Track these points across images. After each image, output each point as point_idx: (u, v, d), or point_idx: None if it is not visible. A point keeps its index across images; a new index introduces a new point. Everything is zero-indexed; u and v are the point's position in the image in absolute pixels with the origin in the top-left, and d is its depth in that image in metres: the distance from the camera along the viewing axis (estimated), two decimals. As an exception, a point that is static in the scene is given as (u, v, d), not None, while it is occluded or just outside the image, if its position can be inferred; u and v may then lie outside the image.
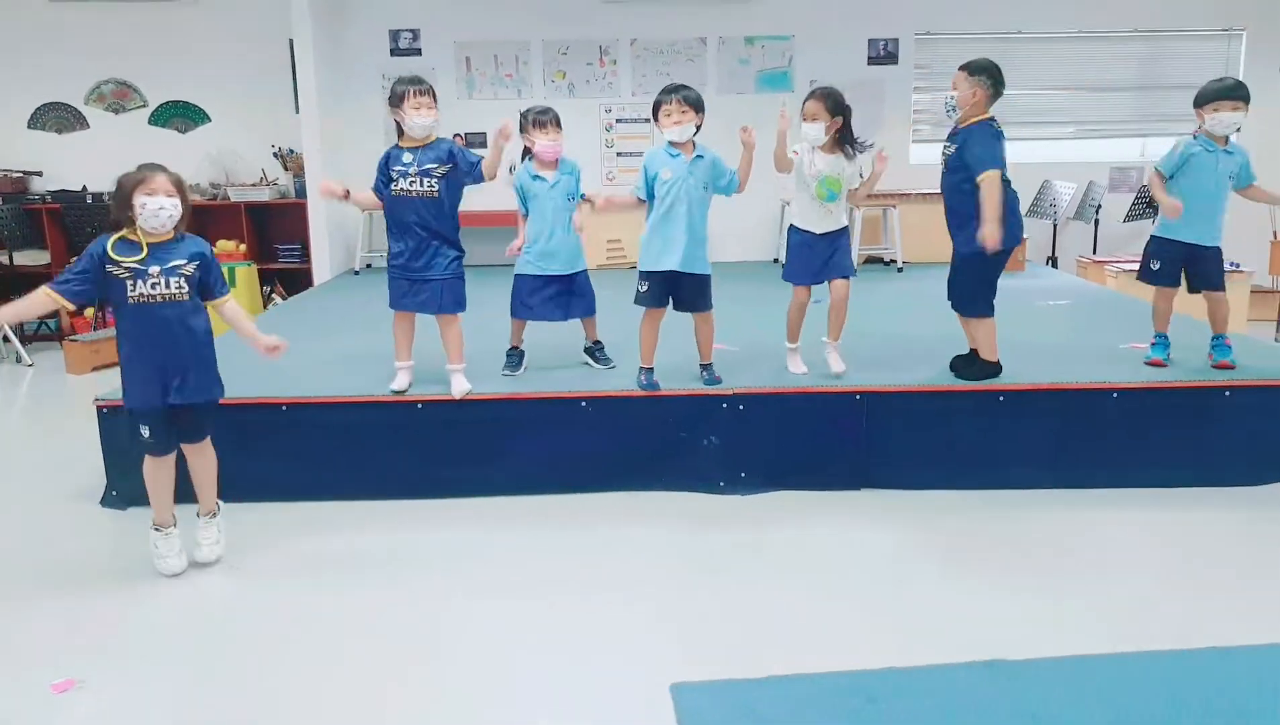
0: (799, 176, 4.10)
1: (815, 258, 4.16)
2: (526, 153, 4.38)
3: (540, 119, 4.27)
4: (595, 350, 4.52)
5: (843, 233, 4.18)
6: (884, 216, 7.91)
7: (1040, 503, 3.92)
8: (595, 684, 2.67)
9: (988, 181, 3.90)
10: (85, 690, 2.65)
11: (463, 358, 4.11)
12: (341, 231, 8.05)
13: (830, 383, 4.14)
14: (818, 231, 4.13)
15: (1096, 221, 8.10)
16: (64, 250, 7.79)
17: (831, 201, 4.08)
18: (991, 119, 4.06)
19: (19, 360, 6.86)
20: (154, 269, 3.13)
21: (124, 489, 3.95)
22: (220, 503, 3.50)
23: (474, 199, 4.25)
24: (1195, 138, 4.24)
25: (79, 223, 7.62)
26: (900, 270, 7.62)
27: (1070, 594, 3.16)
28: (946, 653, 2.77)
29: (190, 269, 3.20)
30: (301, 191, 7.84)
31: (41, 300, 3.12)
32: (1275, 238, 7.64)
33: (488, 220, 6.86)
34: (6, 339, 6.95)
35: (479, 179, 4.01)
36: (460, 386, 4.05)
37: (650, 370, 4.10)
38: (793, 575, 3.33)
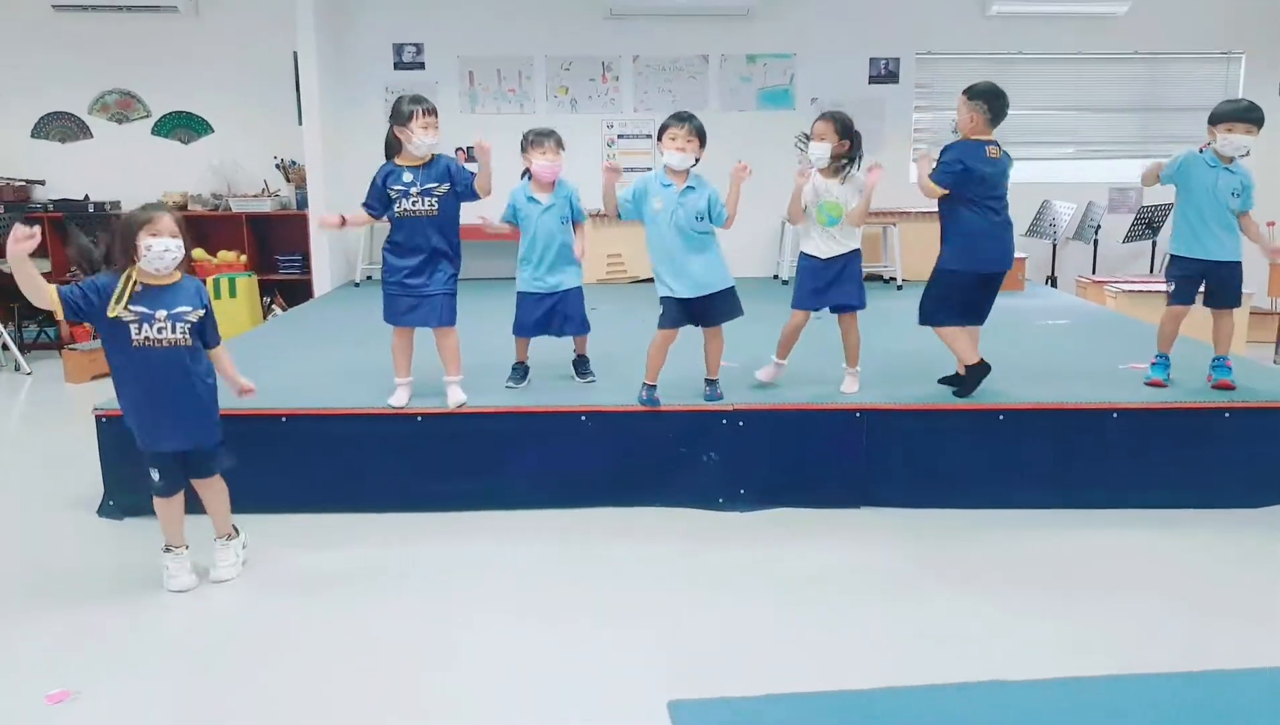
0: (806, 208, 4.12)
1: (816, 281, 4.16)
2: (526, 172, 4.38)
3: (539, 139, 4.26)
4: (580, 364, 4.51)
5: (850, 258, 4.15)
6: (884, 234, 7.93)
7: (1039, 523, 3.92)
8: (592, 700, 2.66)
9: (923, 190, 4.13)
10: (80, 701, 2.63)
11: (460, 369, 4.11)
12: (342, 243, 8.07)
13: (830, 400, 4.14)
14: (822, 257, 4.13)
15: (1096, 241, 8.13)
16: (65, 259, 7.78)
17: (833, 226, 4.08)
18: (983, 141, 4.10)
19: (18, 368, 6.86)
20: (160, 313, 3.12)
21: (121, 499, 3.95)
22: (236, 526, 3.49)
23: (472, 212, 4.24)
24: (1201, 151, 4.26)
25: (82, 230, 7.62)
26: (900, 288, 7.63)
27: (1070, 615, 3.15)
28: (945, 673, 2.76)
29: (195, 317, 3.19)
30: (303, 203, 7.85)
31: (48, 291, 3.04)
32: (1275, 260, 7.66)
33: (480, 234, 6.85)
34: (5, 347, 6.95)
35: (474, 197, 4.04)
36: (456, 397, 4.05)
37: (653, 387, 4.09)
38: (791, 592, 3.32)
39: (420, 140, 3.89)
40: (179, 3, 7.63)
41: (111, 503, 3.98)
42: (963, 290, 4.24)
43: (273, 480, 3.98)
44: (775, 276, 8.13)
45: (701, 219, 3.99)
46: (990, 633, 3.03)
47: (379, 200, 4.00)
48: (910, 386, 4.35)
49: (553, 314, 4.38)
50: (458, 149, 7.96)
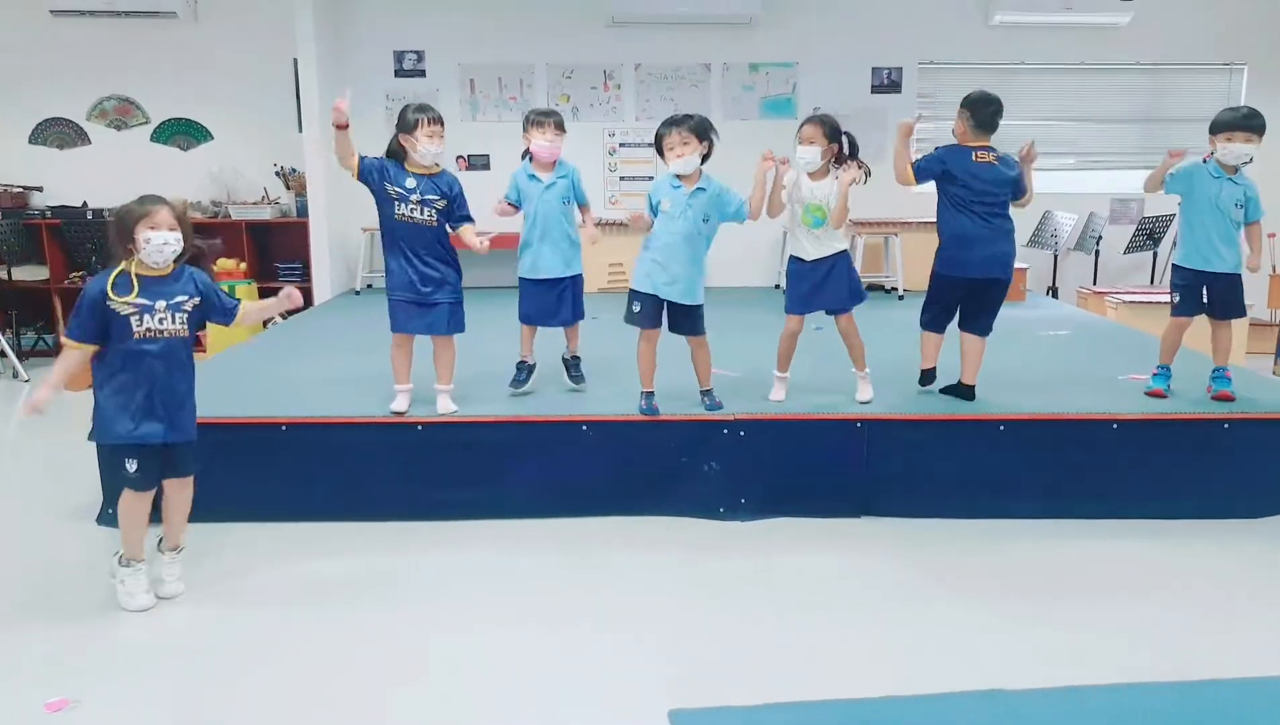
0: (790, 204, 4.11)
1: (805, 284, 4.15)
2: (527, 153, 4.36)
3: (540, 118, 4.26)
4: (571, 365, 4.49)
5: (837, 259, 4.13)
6: (885, 244, 7.93)
7: (1040, 533, 3.91)
8: (593, 710, 2.65)
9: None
10: (79, 709, 2.62)
11: (451, 379, 4.11)
12: (343, 251, 8.06)
13: (831, 410, 4.13)
14: (808, 258, 4.12)
15: (1097, 252, 8.13)
16: (63, 266, 7.79)
17: (817, 227, 4.07)
18: (971, 146, 4.19)
19: (15, 376, 6.85)
20: (160, 304, 3.11)
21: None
22: (183, 543, 3.42)
23: (476, 221, 4.23)
24: (1205, 162, 4.27)
25: (78, 239, 7.62)
26: (901, 297, 7.62)
27: (1070, 624, 3.15)
28: (945, 682, 2.75)
29: (191, 306, 3.19)
30: (303, 211, 7.84)
31: (76, 356, 3.11)
32: (1275, 271, 7.67)
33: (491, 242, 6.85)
34: (3, 354, 6.93)
35: (466, 221, 4.07)
36: (446, 406, 4.05)
37: (650, 394, 4.09)
38: (792, 602, 3.31)
39: (425, 149, 3.88)
40: (178, 9, 7.62)
41: (111, 511, 3.93)
42: (947, 294, 4.31)
43: (273, 489, 3.98)
44: (776, 286, 8.12)
45: (708, 221, 3.98)
46: (989, 642, 3.03)
47: (370, 176, 3.99)
48: (911, 397, 4.35)
49: (551, 302, 4.36)
50: (458, 157, 7.99)
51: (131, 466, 3.18)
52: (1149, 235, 7.87)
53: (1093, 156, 8.43)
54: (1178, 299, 4.38)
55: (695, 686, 2.75)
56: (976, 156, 4.17)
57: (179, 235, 3.11)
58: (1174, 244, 7.76)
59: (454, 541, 3.82)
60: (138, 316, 3.09)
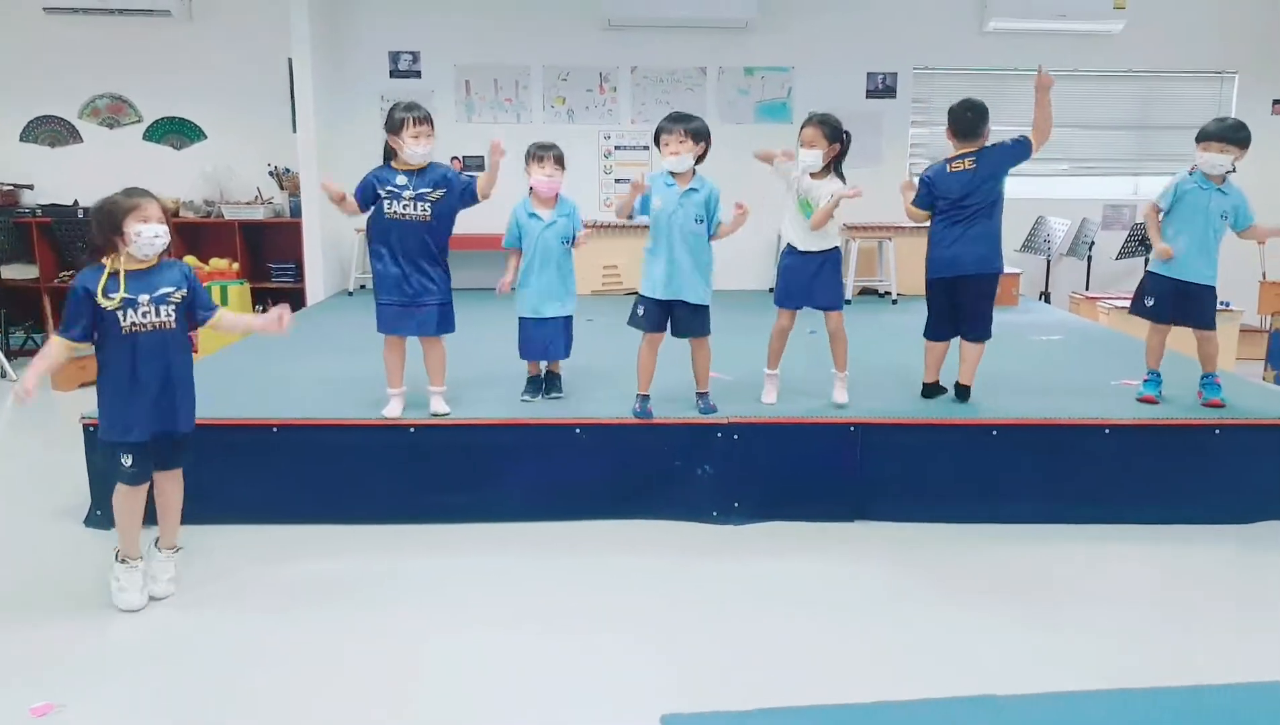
0: (787, 188, 4.14)
1: (797, 279, 4.16)
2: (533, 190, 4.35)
3: (540, 153, 4.21)
4: (549, 380, 4.45)
5: (827, 255, 4.15)
6: (879, 248, 7.94)
7: (1032, 537, 3.91)
8: (585, 713, 2.64)
9: None
10: (65, 713, 2.60)
11: (444, 380, 4.10)
12: (336, 251, 8.04)
13: (825, 413, 4.13)
14: (800, 248, 4.13)
15: (1089, 258, 8.15)
16: (53, 264, 7.75)
17: (809, 219, 4.09)
18: (950, 157, 4.30)
19: (4, 375, 6.81)
20: (144, 297, 3.09)
21: (109, 508, 3.86)
22: (180, 543, 3.42)
23: (465, 222, 4.22)
24: (1190, 174, 4.28)
25: (69, 237, 7.59)
26: (895, 302, 7.64)
27: (1061, 630, 3.15)
28: (937, 687, 2.75)
29: (178, 297, 3.17)
30: (297, 211, 7.81)
31: (59, 349, 3.11)
32: (1264, 278, 7.69)
33: (478, 243, 6.84)
34: (-8, 353, 6.90)
35: (473, 200, 4.01)
36: (439, 407, 4.04)
37: (645, 398, 4.08)
38: (784, 607, 3.31)
39: (411, 150, 3.86)
40: (172, 7, 7.60)
41: (99, 512, 3.94)
42: (932, 299, 4.42)
43: (265, 491, 3.96)
44: (770, 289, 8.11)
45: (700, 221, 3.99)
46: (982, 647, 3.03)
47: (366, 194, 3.96)
48: (904, 401, 4.36)
49: (547, 339, 4.34)
50: (453, 157, 7.97)
51: (126, 461, 3.18)
52: (1141, 241, 7.89)
53: (1085, 163, 8.46)
54: (1150, 303, 4.40)
55: (688, 690, 2.75)
56: (951, 167, 4.26)
57: (166, 228, 3.10)
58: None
59: (447, 544, 3.81)
60: (121, 311, 3.07)
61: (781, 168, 4.13)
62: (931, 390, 4.41)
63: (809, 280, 4.14)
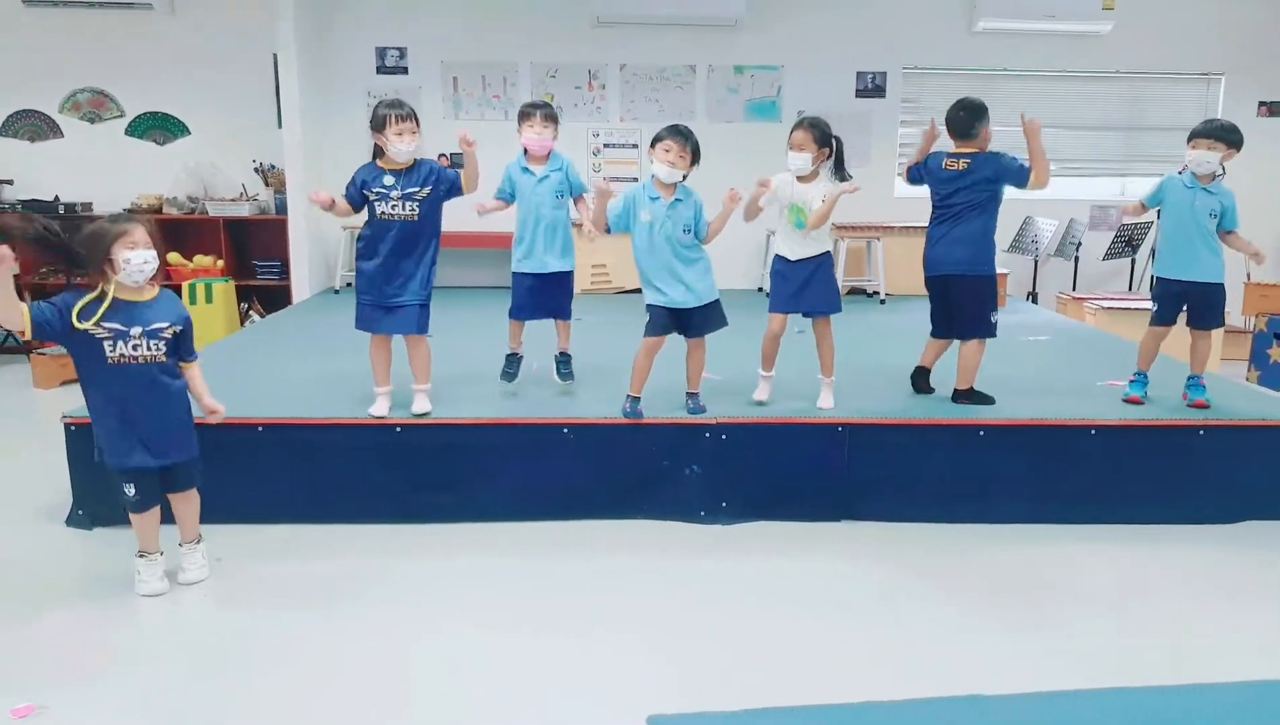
0: (777, 203, 4.12)
1: (788, 285, 4.15)
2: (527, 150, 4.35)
3: (527, 110, 4.23)
4: (560, 361, 4.47)
5: (820, 260, 4.14)
6: (867, 248, 7.94)
7: (1018, 537, 3.92)
8: (573, 714, 2.63)
9: None
10: (45, 715, 2.57)
11: (428, 379, 4.07)
12: (321, 249, 7.99)
13: (813, 414, 4.13)
14: (791, 257, 4.13)
15: (1077, 259, 8.18)
16: (33, 261, 7.66)
17: (800, 228, 4.08)
18: (945, 153, 4.33)
19: (-13, 371, 6.74)
20: (135, 330, 3.06)
21: (90, 508, 3.87)
22: (201, 532, 3.46)
23: (455, 219, 4.20)
24: (1180, 173, 4.30)
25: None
26: (883, 302, 7.64)
27: (1048, 629, 3.16)
28: (925, 687, 2.75)
29: (170, 333, 3.14)
30: (282, 207, 7.76)
31: (20, 310, 2.96)
32: (1248, 279, 7.73)
33: (472, 241, 6.83)
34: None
35: (459, 192, 4.00)
36: (421, 406, 4.02)
37: (636, 398, 4.06)
38: (772, 607, 3.30)
39: (395, 147, 3.83)
40: (154, 0, 7.52)
41: (80, 512, 3.91)
42: (930, 296, 4.47)
43: (249, 491, 3.93)
44: (760, 289, 8.11)
45: (688, 231, 3.99)
46: (969, 646, 3.03)
47: (355, 194, 3.94)
48: (892, 401, 4.35)
49: (542, 296, 4.34)
50: (440, 155, 7.93)
51: (130, 491, 3.20)
52: (1127, 242, 7.93)
53: (1073, 163, 8.48)
54: (1156, 307, 4.41)
55: (676, 690, 2.74)
56: (945, 164, 4.28)
57: (154, 253, 3.06)
58: (1152, 252, 7.84)
59: (434, 544, 3.79)
60: (111, 342, 3.04)
61: (768, 197, 4.09)
62: (919, 376, 4.48)
63: (800, 287, 4.13)
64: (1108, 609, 3.32)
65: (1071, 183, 8.49)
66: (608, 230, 4.07)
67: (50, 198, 7.74)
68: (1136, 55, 8.22)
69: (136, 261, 3.00)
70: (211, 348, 5.54)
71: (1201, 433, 4.13)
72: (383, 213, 3.89)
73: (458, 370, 4.58)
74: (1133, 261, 8.17)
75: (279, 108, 7.55)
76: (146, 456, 3.15)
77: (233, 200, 7.91)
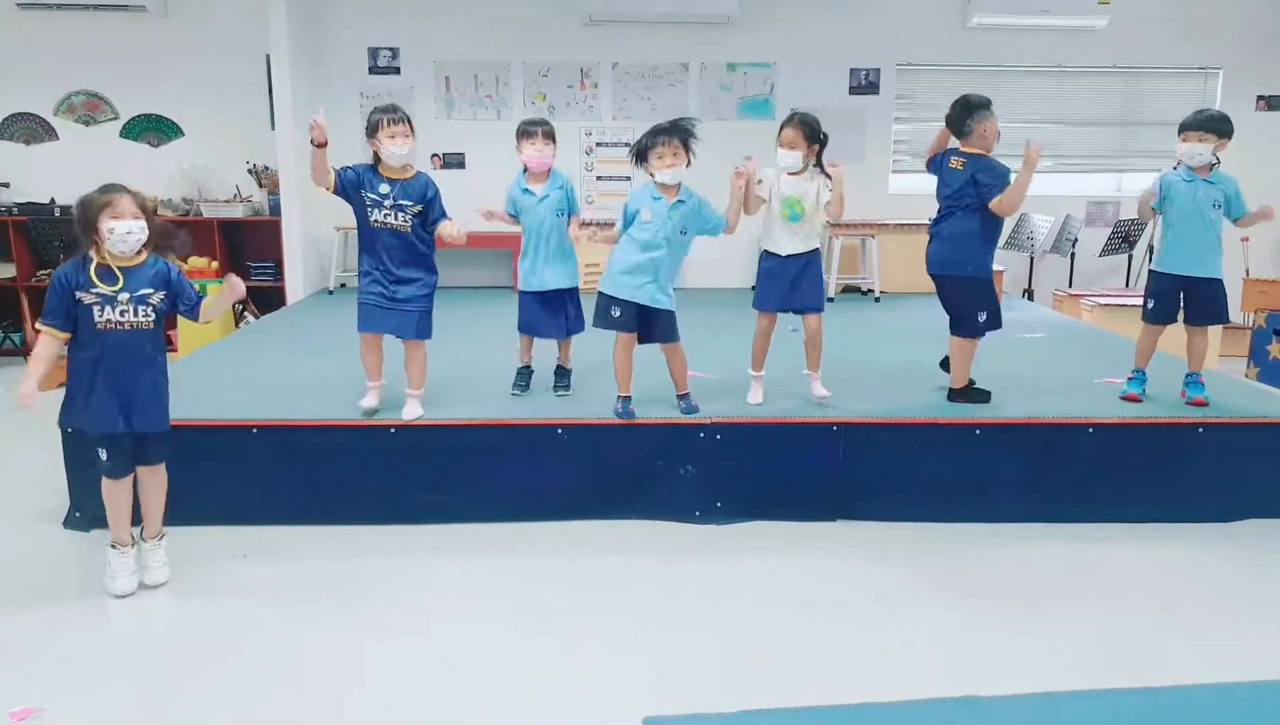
0: (769, 199, 4.12)
1: (779, 283, 4.15)
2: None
3: (528, 129, 4.23)
4: (559, 375, 4.46)
5: (810, 257, 4.14)
6: (862, 246, 7.93)
7: (1015, 536, 3.91)
8: (568, 716, 2.62)
9: None
10: (44, 718, 2.56)
11: (422, 384, 4.07)
12: (316, 250, 7.97)
13: (808, 413, 4.11)
14: (782, 253, 4.12)
15: (1073, 255, 8.16)
16: (29, 263, 7.65)
17: (795, 222, 4.07)
18: (950, 151, 4.31)
19: (-18, 374, 6.73)
20: (123, 296, 3.09)
21: (87, 510, 3.85)
22: (164, 529, 3.44)
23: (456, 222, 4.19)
24: (1175, 169, 4.28)
25: (45, 236, 7.50)
26: (878, 300, 7.63)
27: (1045, 629, 3.15)
28: (921, 688, 2.74)
29: (158, 299, 3.16)
30: (276, 209, 7.74)
31: (50, 343, 3.11)
32: (1247, 275, 7.73)
33: (469, 242, 6.80)
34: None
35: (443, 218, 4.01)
36: (413, 411, 4.01)
37: (627, 398, 4.05)
38: (768, 608, 3.29)
39: (388, 150, 3.85)
40: (148, 2, 7.49)
41: (78, 514, 3.90)
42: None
43: (246, 493, 3.92)
44: (752, 287, 8.09)
45: (685, 233, 3.97)
46: (966, 647, 3.02)
47: (346, 182, 3.93)
48: (887, 399, 4.34)
49: (548, 313, 4.34)
50: (433, 155, 7.92)
51: (103, 454, 3.23)
52: (1124, 238, 7.92)
53: (1069, 159, 8.46)
54: (1151, 304, 4.38)
55: (672, 691, 2.73)
56: (950, 162, 4.27)
57: (143, 223, 3.08)
58: (1149, 248, 7.82)
59: (429, 545, 3.77)
60: (99, 307, 3.07)
61: (758, 189, 4.09)
62: (945, 363, 4.55)
63: (790, 284, 4.12)
64: (1106, 609, 3.31)
65: (1067, 179, 8.47)
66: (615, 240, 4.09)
67: (46, 200, 7.72)
68: (1133, 50, 8.20)
69: (120, 231, 3.03)
70: (205, 350, 5.53)
71: (1200, 430, 4.12)
72: (376, 220, 3.91)
73: (448, 373, 4.57)
74: (1129, 257, 8.16)
75: (272, 109, 7.54)
76: (121, 422, 3.15)
77: (227, 201, 7.89)
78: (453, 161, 8.00)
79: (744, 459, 4.03)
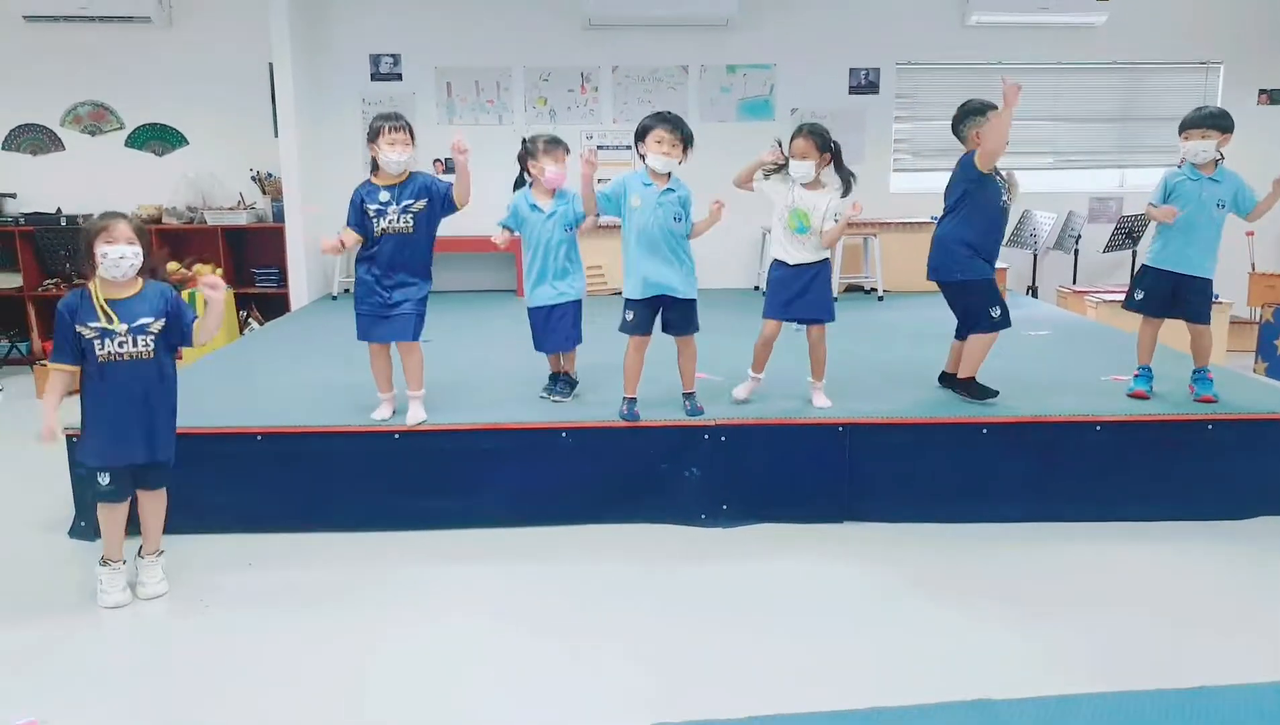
0: (775, 206, 4.12)
1: (785, 291, 4.14)
2: (520, 182, 4.33)
3: (551, 146, 4.23)
4: (562, 380, 4.42)
5: (820, 267, 4.14)
6: (864, 245, 7.92)
7: (1023, 536, 3.89)
8: (573, 721, 2.61)
9: None
10: (47, 729, 2.57)
11: (422, 385, 4.08)
12: (319, 257, 7.98)
13: (812, 414, 4.10)
14: (790, 262, 4.12)
15: (1076, 252, 8.14)
16: (36, 274, 7.68)
17: (801, 233, 4.07)
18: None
19: (-11, 385, 6.75)
20: (121, 328, 3.09)
21: (93, 520, 3.83)
22: (162, 546, 3.45)
23: (454, 223, 4.20)
24: (1179, 167, 4.26)
25: (52, 246, 7.52)
26: (880, 299, 7.62)
27: (1055, 631, 3.13)
28: (931, 692, 2.72)
29: (157, 327, 3.16)
30: (279, 215, 7.76)
31: (57, 379, 3.14)
32: (1253, 269, 7.70)
33: (469, 246, 6.80)
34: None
35: (452, 206, 4.01)
36: (416, 415, 4.01)
37: (633, 400, 4.05)
38: (774, 611, 3.28)
39: (387, 156, 3.87)
40: (152, 13, 7.53)
41: (83, 523, 3.90)
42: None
43: (250, 500, 3.92)
44: (756, 287, 8.09)
45: (679, 220, 3.98)
46: (974, 649, 3.01)
47: (359, 218, 3.95)
48: (892, 400, 4.33)
49: (560, 326, 4.33)
50: (435, 160, 7.93)
51: (104, 479, 3.23)
52: (1128, 234, 7.89)
53: (1071, 156, 8.45)
54: (1140, 296, 4.35)
55: (678, 697, 2.72)
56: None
57: (136, 248, 3.08)
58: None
59: (434, 551, 3.77)
60: (99, 340, 3.08)
61: (770, 188, 4.10)
62: (945, 378, 4.53)
63: (798, 294, 4.12)
64: (1117, 609, 3.29)
65: (1069, 175, 8.46)
66: (596, 213, 4.10)
67: (53, 210, 7.76)
68: (1133, 45, 8.18)
69: (113, 256, 3.03)
70: (210, 356, 5.54)
71: (1210, 427, 4.09)
72: (383, 228, 3.94)
73: (452, 377, 4.57)
74: (1133, 253, 8.13)
75: (275, 117, 7.55)
76: (126, 453, 3.18)
77: (231, 209, 7.91)
78: (454, 167, 7.99)
79: (749, 461, 4.02)
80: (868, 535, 3.93)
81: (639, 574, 3.58)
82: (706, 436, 4.01)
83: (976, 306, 4.25)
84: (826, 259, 4.18)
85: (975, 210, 4.17)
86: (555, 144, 4.24)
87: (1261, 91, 8.31)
